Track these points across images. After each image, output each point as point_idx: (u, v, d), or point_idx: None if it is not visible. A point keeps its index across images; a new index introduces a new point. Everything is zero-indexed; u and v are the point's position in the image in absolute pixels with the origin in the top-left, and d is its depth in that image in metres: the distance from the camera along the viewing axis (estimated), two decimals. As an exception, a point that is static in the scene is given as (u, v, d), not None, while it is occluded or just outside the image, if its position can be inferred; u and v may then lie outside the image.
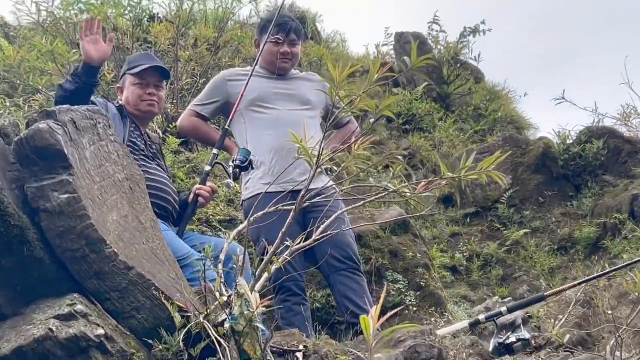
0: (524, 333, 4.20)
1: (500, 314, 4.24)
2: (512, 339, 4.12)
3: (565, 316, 6.14)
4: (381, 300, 1.89)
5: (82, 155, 3.02)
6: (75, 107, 3.19)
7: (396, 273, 6.23)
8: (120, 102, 4.70)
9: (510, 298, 7.18)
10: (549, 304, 6.94)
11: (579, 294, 6.43)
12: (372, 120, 3.59)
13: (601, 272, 4.95)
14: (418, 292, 6.17)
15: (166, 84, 4.89)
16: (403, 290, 6.11)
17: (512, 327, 4.27)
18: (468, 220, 9.12)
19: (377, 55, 13.72)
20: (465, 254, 8.40)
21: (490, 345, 4.19)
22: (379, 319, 1.70)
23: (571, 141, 9.61)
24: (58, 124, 2.90)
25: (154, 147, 4.77)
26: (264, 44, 5.10)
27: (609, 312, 5.73)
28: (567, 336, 5.23)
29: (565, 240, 8.51)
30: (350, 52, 13.86)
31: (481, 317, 4.33)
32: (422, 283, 6.24)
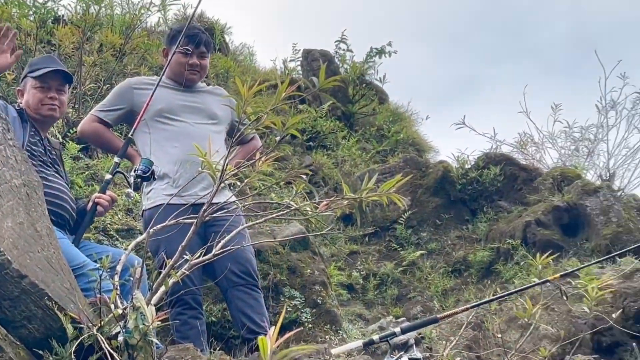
0: (416, 353, 4.27)
1: (394, 334, 4.30)
2: (405, 359, 4.19)
3: (457, 338, 6.27)
4: (280, 320, 1.90)
5: (-21, 159, 2.94)
6: (-27, 109, 3.11)
7: (293, 290, 6.24)
8: (20, 105, 4.57)
9: (404, 318, 7.33)
10: (442, 325, 7.08)
11: (470, 317, 6.58)
12: (277, 137, 3.60)
13: (492, 297, 5.07)
14: (314, 310, 6.20)
15: (69, 89, 4.78)
16: (299, 307, 6.13)
17: (405, 347, 4.33)
18: (367, 239, 9.22)
19: (284, 71, 13.77)
20: (362, 272, 8.49)
21: None
22: (276, 340, 1.70)
23: (469, 166, 9.85)
24: (-46, 126, 2.82)
25: (53, 152, 4.65)
26: (173, 54, 5.04)
27: (499, 335, 5.87)
28: (458, 359, 5.33)
29: (460, 263, 8.69)
30: (258, 65, 13.88)
31: (375, 337, 4.37)
32: (318, 300, 6.27)
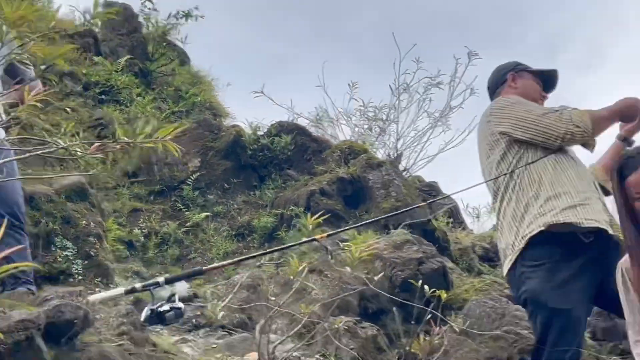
0: (178, 304, 4.21)
1: (157, 284, 4.22)
2: (166, 307, 4.11)
3: (229, 298, 6.29)
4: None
5: None
6: None
7: (66, 240, 6.03)
8: None
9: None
10: (218, 286, 7.09)
11: (245, 278, 6.63)
12: (42, 67, 3.43)
13: (258, 253, 5.12)
14: (86, 262, 6.02)
15: None
16: (71, 258, 5.93)
17: (169, 298, 4.26)
18: (152, 197, 9.06)
19: (84, 22, 13.23)
20: (144, 230, 8.33)
21: (143, 313, 4.16)
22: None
23: (262, 133, 9.89)
24: None
25: None
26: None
27: (273, 298, 5.93)
28: (222, 313, 5.35)
29: (244, 228, 8.73)
30: (60, 13, 13.23)
31: (138, 285, 4.28)
32: (92, 253, 6.09)
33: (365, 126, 12.25)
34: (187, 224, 8.60)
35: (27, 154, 3.79)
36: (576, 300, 3.94)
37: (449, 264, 7.68)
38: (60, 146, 3.70)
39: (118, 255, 7.38)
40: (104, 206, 7.52)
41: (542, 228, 4.05)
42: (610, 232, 4.06)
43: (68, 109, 9.33)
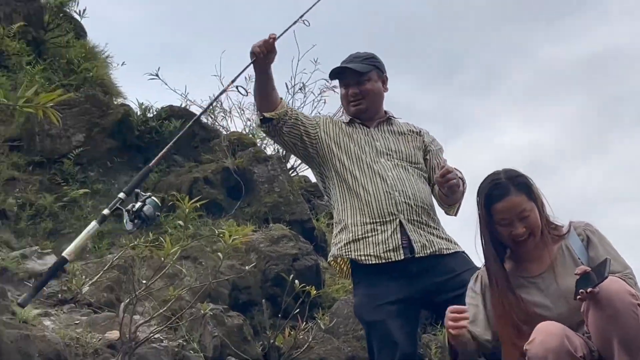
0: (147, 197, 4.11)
1: (121, 200, 4.11)
2: (138, 204, 4.01)
3: (98, 276, 6.22)
4: None
5: None
6: None
7: None
8: None
9: (50, 250, 7.14)
10: (88, 264, 7.00)
11: (116, 258, 6.55)
12: None
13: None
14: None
15: None
16: None
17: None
18: (31, 168, 8.82)
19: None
20: (19, 200, 8.11)
21: (125, 225, 4.07)
22: None
23: (152, 115, 9.77)
24: None
25: None
26: None
27: (144, 281, 5.89)
28: (87, 289, 5.30)
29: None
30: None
31: (105, 211, 4.15)
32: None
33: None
34: (64, 199, 8.41)
35: None
36: (387, 313, 4.13)
37: (324, 264, 7.78)
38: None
39: (-15, 225, 7.18)
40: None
41: (331, 259, 4.36)
42: (401, 257, 4.20)
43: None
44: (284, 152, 11.52)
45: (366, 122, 4.63)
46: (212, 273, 6.31)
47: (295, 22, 4.85)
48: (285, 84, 12.12)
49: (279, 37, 4.51)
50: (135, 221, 4.07)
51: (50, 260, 6.61)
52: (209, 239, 7.24)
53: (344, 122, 4.64)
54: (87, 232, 4.10)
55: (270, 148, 11.62)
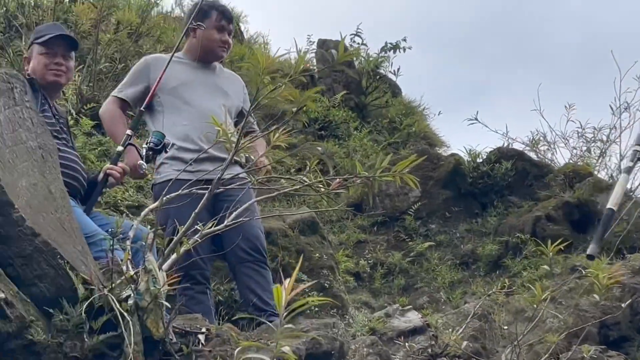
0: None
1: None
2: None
3: (463, 327, 6.26)
4: (294, 275, 1.90)
5: (-5, 117, 2.95)
6: (-8, 68, 3.12)
7: (301, 273, 6.23)
8: (28, 73, 4.52)
9: (410, 306, 7.31)
10: (447, 315, 7.08)
11: (477, 307, 6.57)
12: (294, 109, 3.59)
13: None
14: (321, 294, 6.18)
15: (75, 55, 4.72)
16: (307, 290, 6.12)
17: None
18: (375, 229, 9.22)
19: (298, 61, 13.71)
20: (370, 261, 8.48)
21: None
22: (292, 291, 1.70)
23: (481, 160, 9.82)
24: (-26, 83, 2.82)
25: (61, 120, 4.63)
26: (185, 27, 5.04)
27: (505, 327, 5.85)
28: (465, 343, 5.34)
29: (468, 256, 8.68)
30: (273, 54, 13.84)
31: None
32: (326, 285, 6.26)
33: (584, 148, 11.86)
34: (411, 254, 8.66)
35: (276, 192, 3.99)
36: None
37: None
38: (306, 183, 3.87)
39: (347, 286, 7.53)
40: (330, 239, 7.73)
41: None
42: None
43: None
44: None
45: None
46: (575, 312, 6.10)
47: None
48: (610, 105, 11.63)
49: None
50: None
51: (412, 316, 6.76)
52: (561, 277, 7.07)
53: None
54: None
55: (603, 174, 11.20)
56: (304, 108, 10.95)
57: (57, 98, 4.81)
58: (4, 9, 8.27)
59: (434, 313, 7.36)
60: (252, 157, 4.18)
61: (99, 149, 6.94)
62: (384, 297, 7.99)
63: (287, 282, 1.72)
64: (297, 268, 2.78)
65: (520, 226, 8.51)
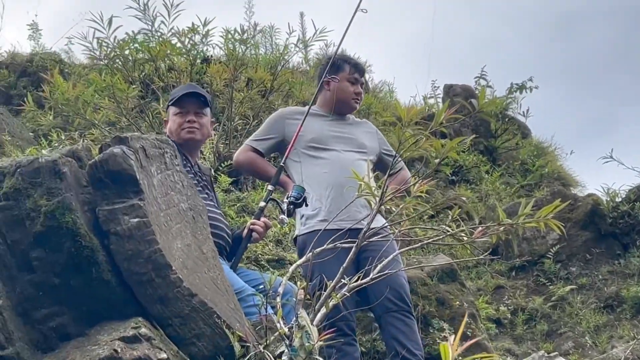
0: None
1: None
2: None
3: (616, 374, 6.06)
4: (462, 327, 1.89)
5: (150, 183, 3.09)
6: (145, 135, 3.27)
7: (442, 321, 6.17)
8: (167, 135, 4.67)
9: (556, 353, 7.12)
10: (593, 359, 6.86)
11: (627, 352, 6.34)
12: (436, 161, 3.61)
13: None
14: (464, 342, 6.09)
15: (211, 113, 4.88)
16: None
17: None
18: (513, 273, 9.04)
19: (424, 107, 13.76)
20: (510, 307, 8.31)
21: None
22: (457, 349, 1.70)
23: (620, 199, 9.53)
24: (131, 150, 2.96)
25: (204, 178, 4.78)
26: (320, 80, 5.20)
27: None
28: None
29: (612, 299, 8.38)
30: (398, 102, 13.90)
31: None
32: (468, 333, 6.17)
33: None
34: (553, 298, 8.44)
35: (419, 244, 3.99)
36: None
37: None
38: (448, 233, 3.87)
39: (488, 334, 7.39)
40: (468, 285, 7.64)
41: None
42: None
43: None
44: None
45: None
46: None
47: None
48: None
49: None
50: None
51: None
52: None
53: None
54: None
55: None
56: (432, 154, 10.99)
57: (197, 156, 4.96)
58: (143, 73, 8.64)
59: (581, 359, 7.14)
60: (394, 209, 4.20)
61: (237, 204, 7.11)
62: (527, 344, 7.80)
63: (453, 339, 1.72)
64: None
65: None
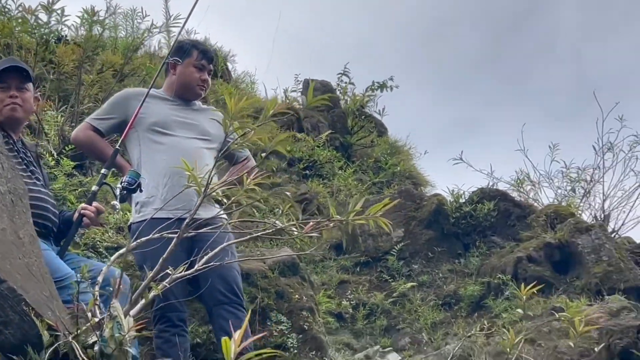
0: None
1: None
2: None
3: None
4: (244, 325, 1.90)
5: (-36, 163, 2.95)
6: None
7: (280, 314, 6.20)
8: None
9: (390, 348, 7.30)
10: (429, 357, 7.06)
11: (456, 349, 6.57)
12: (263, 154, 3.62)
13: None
14: (300, 335, 6.14)
15: (35, 88, 4.67)
16: (286, 332, 6.08)
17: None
18: (358, 269, 9.19)
19: (284, 100, 13.80)
20: (352, 302, 8.45)
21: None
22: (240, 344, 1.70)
23: (464, 200, 9.83)
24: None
25: (29, 154, 4.58)
26: (162, 65, 5.13)
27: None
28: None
29: (450, 297, 8.65)
30: (259, 94, 13.89)
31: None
32: (305, 326, 6.23)
33: (569, 188, 11.91)
34: (394, 294, 8.64)
35: (248, 237, 3.99)
36: None
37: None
38: (278, 227, 3.88)
39: (328, 328, 7.49)
40: (312, 279, 7.71)
41: None
42: None
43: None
44: (603, 217, 11.08)
45: None
46: (553, 354, 6.12)
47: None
48: (593, 146, 11.72)
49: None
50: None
51: (392, 358, 6.76)
52: (542, 318, 7.08)
53: None
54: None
55: (587, 214, 11.25)
56: (288, 148, 11.04)
57: (20, 132, 4.70)
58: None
59: (415, 355, 7.34)
60: (225, 200, 4.17)
61: (79, 189, 6.91)
62: (366, 339, 7.95)
63: (237, 334, 1.72)
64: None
65: (502, 267, 8.50)
